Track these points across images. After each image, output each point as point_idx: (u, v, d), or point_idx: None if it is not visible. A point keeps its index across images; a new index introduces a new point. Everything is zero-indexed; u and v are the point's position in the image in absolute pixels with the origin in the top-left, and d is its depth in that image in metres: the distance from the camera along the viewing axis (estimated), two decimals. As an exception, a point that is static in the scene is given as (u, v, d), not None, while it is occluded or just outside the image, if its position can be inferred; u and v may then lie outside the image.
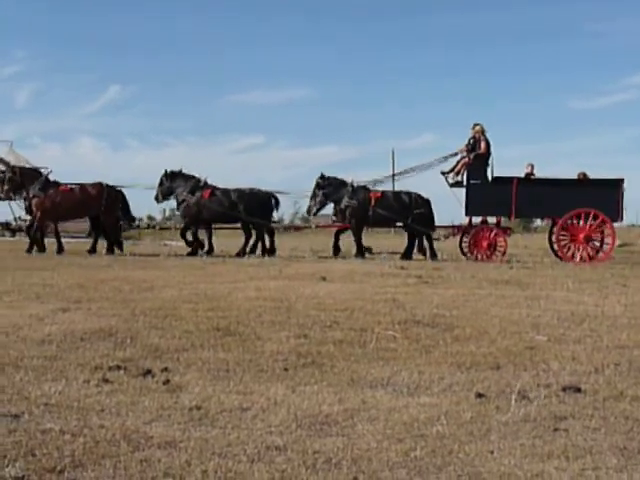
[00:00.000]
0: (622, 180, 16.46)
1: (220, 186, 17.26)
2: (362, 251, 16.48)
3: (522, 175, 16.93)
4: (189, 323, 6.20)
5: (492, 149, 16.60)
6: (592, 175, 17.13)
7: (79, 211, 17.56)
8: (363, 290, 8.99)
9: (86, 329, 5.83)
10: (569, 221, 16.28)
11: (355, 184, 16.78)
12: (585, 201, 16.17)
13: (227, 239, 20.15)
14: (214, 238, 17.48)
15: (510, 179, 16.46)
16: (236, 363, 4.76)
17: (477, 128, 16.54)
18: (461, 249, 17.05)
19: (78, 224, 22.67)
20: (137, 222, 23.12)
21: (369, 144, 77.75)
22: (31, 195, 16.56)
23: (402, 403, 3.87)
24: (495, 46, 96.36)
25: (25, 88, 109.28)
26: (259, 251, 16.75)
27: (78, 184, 17.34)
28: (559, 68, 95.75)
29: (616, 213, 16.45)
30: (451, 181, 16.87)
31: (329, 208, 17.20)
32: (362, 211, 16.40)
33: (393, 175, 17.18)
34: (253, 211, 16.76)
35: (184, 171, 17.37)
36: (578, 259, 15.85)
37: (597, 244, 16.50)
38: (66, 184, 17.27)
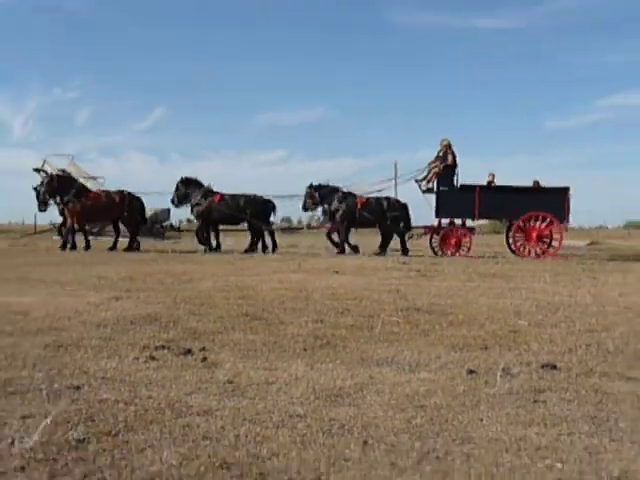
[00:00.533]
0: (568, 188, 16.81)
1: (226, 192, 17.20)
2: (344, 248, 16.54)
3: (484, 183, 17.14)
4: (222, 309, 6.22)
5: (458, 160, 16.84)
6: (544, 184, 17.39)
7: (105, 214, 17.54)
8: (370, 282, 8.99)
9: (135, 314, 5.87)
10: (524, 223, 16.50)
11: (345, 190, 16.95)
12: (537, 205, 16.57)
13: (229, 238, 20.23)
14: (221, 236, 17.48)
15: (474, 186, 16.79)
16: (262, 344, 4.77)
17: (444, 143, 16.70)
18: (431, 246, 17.18)
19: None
20: (178, 224, 23.17)
21: (379, 156, 77.59)
22: (65, 200, 16.50)
23: (404, 378, 3.87)
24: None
25: (84, 110, 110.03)
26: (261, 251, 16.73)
27: (104, 191, 17.37)
28: (537, 88, 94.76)
29: (563, 216, 16.71)
30: (424, 188, 17.10)
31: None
32: (350, 214, 16.54)
33: (394, 182, 17.22)
34: (256, 214, 16.83)
35: (196, 178, 17.29)
36: (532, 255, 16.17)
37: (547, 242, 16.73)
38: (96, 191, 17.22)
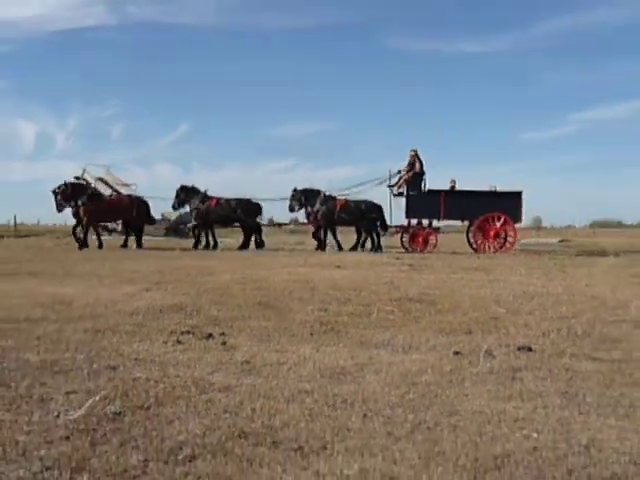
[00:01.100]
0: (521, 192, 16.75)
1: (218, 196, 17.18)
2: (324, 246, 16.49)
3: (447, 187, 17.14)
4: (239, 299, 6.21)
5: (425, 168, 16.74)
6: (499, 188, 17.34)
7: (116, 216, 17.58)
8: (368, 275, 8.97)
9: (164, 304, 5.86)
10: (483, 222, 16.48)
11: (327, 193, 16.85)
12: (495, 207, 16.48)
13: (228, 239, 20.28)
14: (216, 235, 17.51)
15: (439, 191, 16.67)
16: (274, 329, 4.77)
17: (412, 153, 16.68)
18: (402, 243, 17.15)
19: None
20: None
21: (376, 164, 77.26)
22: (80, 204, 16.31)
23: (399, 359, 3.86)
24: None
25: (118, 125, 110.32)
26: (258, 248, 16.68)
27: (117, 195, 17.27)
28: (514, 104, 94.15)
29: (517, 216, 16.65)
30: (395, 192, 17.00)
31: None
32: (330, 215, 16.50)
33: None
34: (248, 215, 16.85)
35: (192, 185, 17.20)
36: (491, 250, 16.12)
37: (503, 239, 16.67)
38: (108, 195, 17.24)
